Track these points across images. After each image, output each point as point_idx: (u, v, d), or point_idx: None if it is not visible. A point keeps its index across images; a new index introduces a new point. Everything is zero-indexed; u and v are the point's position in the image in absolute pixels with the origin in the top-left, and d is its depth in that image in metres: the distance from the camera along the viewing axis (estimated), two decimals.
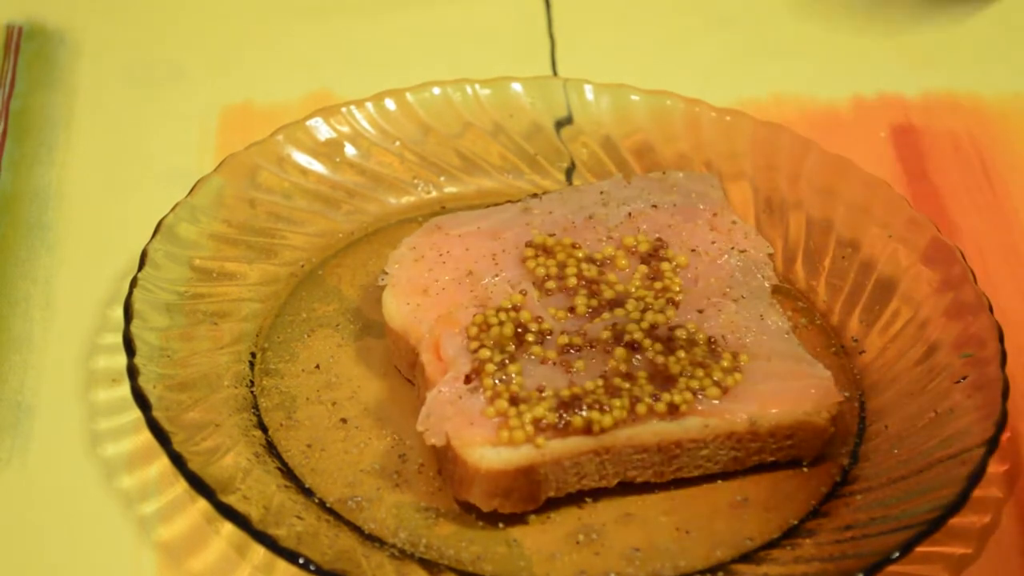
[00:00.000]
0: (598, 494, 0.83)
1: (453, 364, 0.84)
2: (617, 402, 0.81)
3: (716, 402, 0.83)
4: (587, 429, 0.81)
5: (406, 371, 0.88)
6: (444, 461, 0.82)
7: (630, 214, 0.93)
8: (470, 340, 0.84)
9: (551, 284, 0.88)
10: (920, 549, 0.79)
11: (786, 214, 0.98)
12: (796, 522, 0.82)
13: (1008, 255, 1.00)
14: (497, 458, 0.80)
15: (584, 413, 0.81)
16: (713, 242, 0.92)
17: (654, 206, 0.93)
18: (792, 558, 0.79)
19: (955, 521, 0.80)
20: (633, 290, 0.88)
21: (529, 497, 0.81)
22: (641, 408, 0.82)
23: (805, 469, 0.85)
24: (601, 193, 0.94)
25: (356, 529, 0.81)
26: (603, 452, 0.82)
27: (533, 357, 0.84)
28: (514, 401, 0.81)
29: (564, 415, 0.81)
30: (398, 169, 1.01)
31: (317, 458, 0.84)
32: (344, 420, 0.86)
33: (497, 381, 0.82)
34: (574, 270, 0.89)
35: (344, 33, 1.17)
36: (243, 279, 0.93)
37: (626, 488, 0.83)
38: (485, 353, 0.83)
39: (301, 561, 0.76)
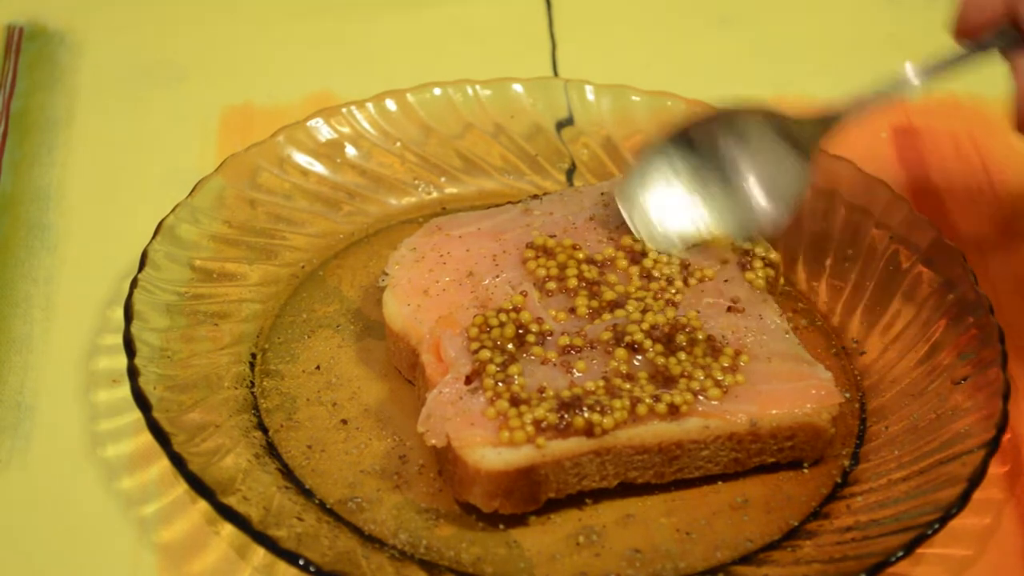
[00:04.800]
0: (599, 495, 0.83)
1: (453, 365, 0.83)
2: (618, 403, 0.81)
3: (716, 403, 0.83)
4: (588, 430, 0.81)
5: (407, 372, 0.88)
6: (444, 462, 0.82)
7: None
8: (470, 341, 0.84)
9: (551, 285, 0.88)
10: (921, 551, 0.79)
11: None
12: (796, 523, 0.82)
13: (1008, 255, 1.00)
14: (498, 459, 0.80)
15: (585, 414, 0.81)
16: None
17: None
18: (792, 560, 0.79)
19: (956, 523, 0.79)
20: (633, 291, 0.88)
21: (530, 498, 0.81)
22: (642, 409, 0.82)
23: (806, 470, 0.85)
24: (602, 194, 0.94)
25: (356, 530, 0.81)
26: (604, 453, 0.82)
27: (534, 358, 0.84)
28: (515, 402, 0.81)
29: (565, 416, 0.81)
30: (399, 170, 1.01)
31: (317, 459, 0.84)
32: (344, 421, 0.86)
33: (498, 382, 0.82)
34: (575, 271, 0.89)
35: (344, 33, 1.17)
36: (243, 280, 0.93)
37: (627, 489, 0.83)
38: (486, 354, 0.83)
39: (301, 562, 0.76)
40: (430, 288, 0.89)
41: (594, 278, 0.89)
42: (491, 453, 0.80)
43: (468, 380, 0.83)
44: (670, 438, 0.82)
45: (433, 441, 0.81)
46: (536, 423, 0.80)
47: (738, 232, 0.90)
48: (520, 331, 0.85)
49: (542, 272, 0.89)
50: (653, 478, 0.83)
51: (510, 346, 0.84)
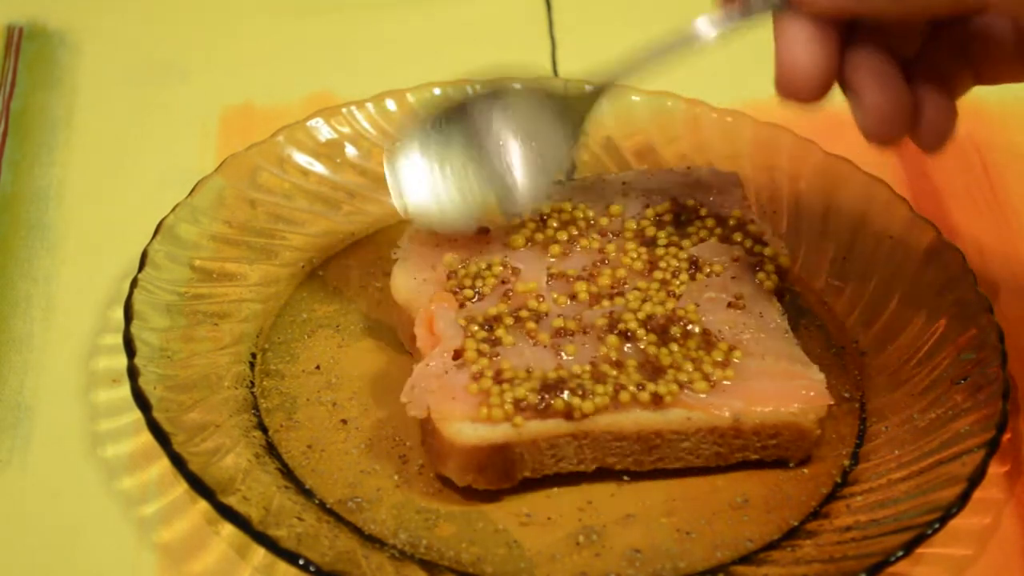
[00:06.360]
0: (599, 495, 0.83)
1: (444, 339, 0.84)
2: (600, 388, 0.81)
3: (703, 396, 0.83)
4: (567, 413, 0.81)
5: (408, 345, 0.88)
6: (425, 434, 0.83)
7: (648, 206, 0.93)
8: (464, 318, 0.85)
9: (556, 269, 0.89)
10: (921, 550, 0.79)
11: (787, 215, 0.98)
12: (796, 523, 0.82)
13: (1008, 255, 1.00)
14: (473, 434, 0.80)
15: (565, 396, 0.81)
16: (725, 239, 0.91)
17: (673, 199, 0.93)
18: (792, 559, 0.79)
19: (956, 522, 0.79)
20: (637, 281, 0.88)
21: (504, 475, 0.82)
22: (624, 396, 0.82)
23: (806, 470, 0.85)
24: (623, 184, 0.94)
25: (356, 530, 0.81)
26: (581, 437, 0.82)
27: (525, 338, 0.84)
28: (499, 380, 0.81)
29: (545, 397, 0.81)
30: None
31: (317, 459, 0.84)
32: (344, 421, 0.86)
33: (485, 359, 0.82)
34: (586, 243, 0.90)
35: (344, 33, 1.17)
36: (243, 280, 0.93)
37: (627, 489, 0.83)
38: (475, 329, 0.84)
39: (301, 562, 0.76)
40: (439, 263, 0.89)
41: (601, 257, 0.89)
42: (467, 428, 0.80)
43: (457, 355, 0.83)
44: (650, 427, 0.82)
45: (414, 412, 0.81)
46: (516, 402, 0.80)
47: (501, 205, 0.89)
48: (516, 308, 0.85)
49: (556, 249, 0.89)
50: (632, 465, 0.83)
51: (501, 328, 0.84)
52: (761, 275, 0.89)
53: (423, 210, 0.89)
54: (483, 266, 0.88)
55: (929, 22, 0.79)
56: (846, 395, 0.89)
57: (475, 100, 0.90)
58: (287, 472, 0.83)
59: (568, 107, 0.89)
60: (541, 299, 0.86)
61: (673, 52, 0.84)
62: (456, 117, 0.89)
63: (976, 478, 0.80)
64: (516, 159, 0.89)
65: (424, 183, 0.89)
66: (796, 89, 0.77)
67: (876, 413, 0.88)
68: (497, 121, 0.89)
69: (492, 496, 0.82)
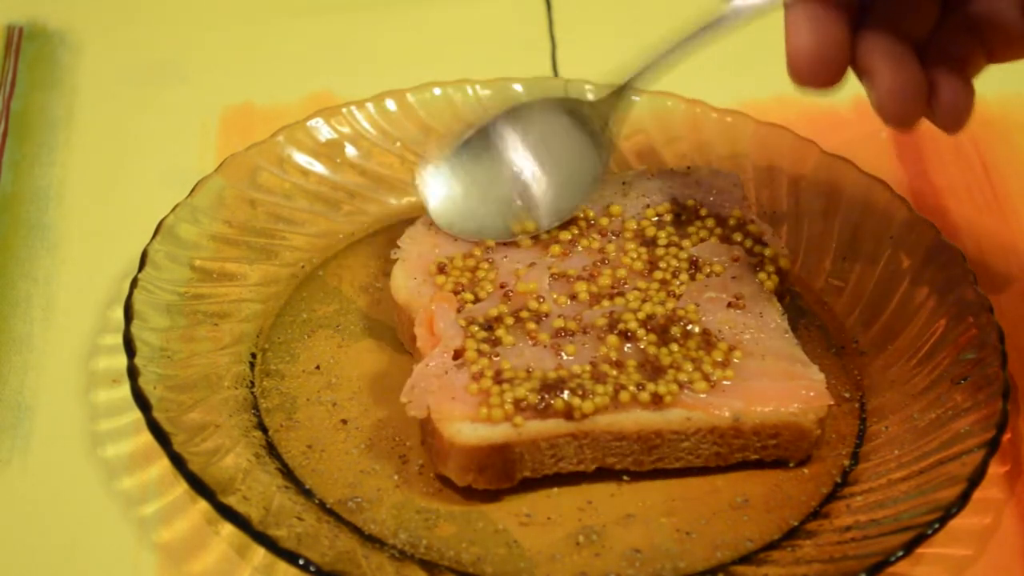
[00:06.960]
0: (599, 495, 0.83)
1: (444, 339, 0.84)
2: (600, 388, 0.82)
3: (703, 396, 0.83)
4: (567, 413, 0.81)
5: (409, 345, 0.88)
6: (426, 434, 0.83)
7: (648, 206, 0.93)
8: (464, 318, 0.85)
9: (557, 269, 0.89)
10: (921, 550, 0.79)
11: (787, 215, 0.98)
12: (796, 523, 0.82)
13: (1008, 255, 1.00)
14: (473, 434, 0.80)
15: (565, 396, 0.81)
16: (725, 239, 0.91)
17: (673, 199, 0.93)
18: (792, 559, 0.79)
19: (956, 522, 0.79)
20: (637, 281, 0.88)
21: (504, 475, 0.82)
22: (624, 396, 0.82)
23: (805, 470, 0.85)
24: (623, 184, 0.94)
25: (356, 530, 0.81)
26: (581, 436, 0.82)
27: (525, 338, 0.84)
28: (499, 380, 0.81)
29: (545, 397, 0.81)
30: (399, 170, 1.01)
31: (317, 459, 0.84)
32: (344, 421, 0.86)
33: (485, 359, 0.82)
34: (587, 243, 0.90)
35: (344, 33, 1.17)
36: (243, 280, 0.93)
37: (627, 489, 0.83)
38: (475, 329, 0.84)
39: (301, 562, 0.76)
40: (439, 264, 0.89)
41: (602, 257, 0.89)
42: (467, 428, 0.80)
43: (457, 355, 0.83)
44: (650, 427, 0.82)
45: (414, 412, 0.81)
46: (516, 402, 0.81)
47: (540, 221, 0.91)
48: (516, 309, 0.85)
49: (557, 249, 0.89)
50: (632, 465, 0.83)
51: (501, 328, 0.84)
52: (761, 275, 0.89)
53: (457, 225, 0.90)
54: (471, 262, 0.88)
55: (936, 2, 0.80)
56: (846, 395, 0.89)
57: (502, 118, 0.91)
58: (287, 472, 0.84)
59: (593, 116, 0.90)
60: (541, 299, 0.86)
61: (680, 53, 0.85)
62: (486, 136, 0.91)
63: (976, 478, 0.80)
64: (548, 174, 0.90)
65: (458, 199, 0.90)
66: (807, 72, 0.78)
67: (876, 413, 0.88)
68: (526, 138, 0.90)
69: (492, 496, 0.82)
